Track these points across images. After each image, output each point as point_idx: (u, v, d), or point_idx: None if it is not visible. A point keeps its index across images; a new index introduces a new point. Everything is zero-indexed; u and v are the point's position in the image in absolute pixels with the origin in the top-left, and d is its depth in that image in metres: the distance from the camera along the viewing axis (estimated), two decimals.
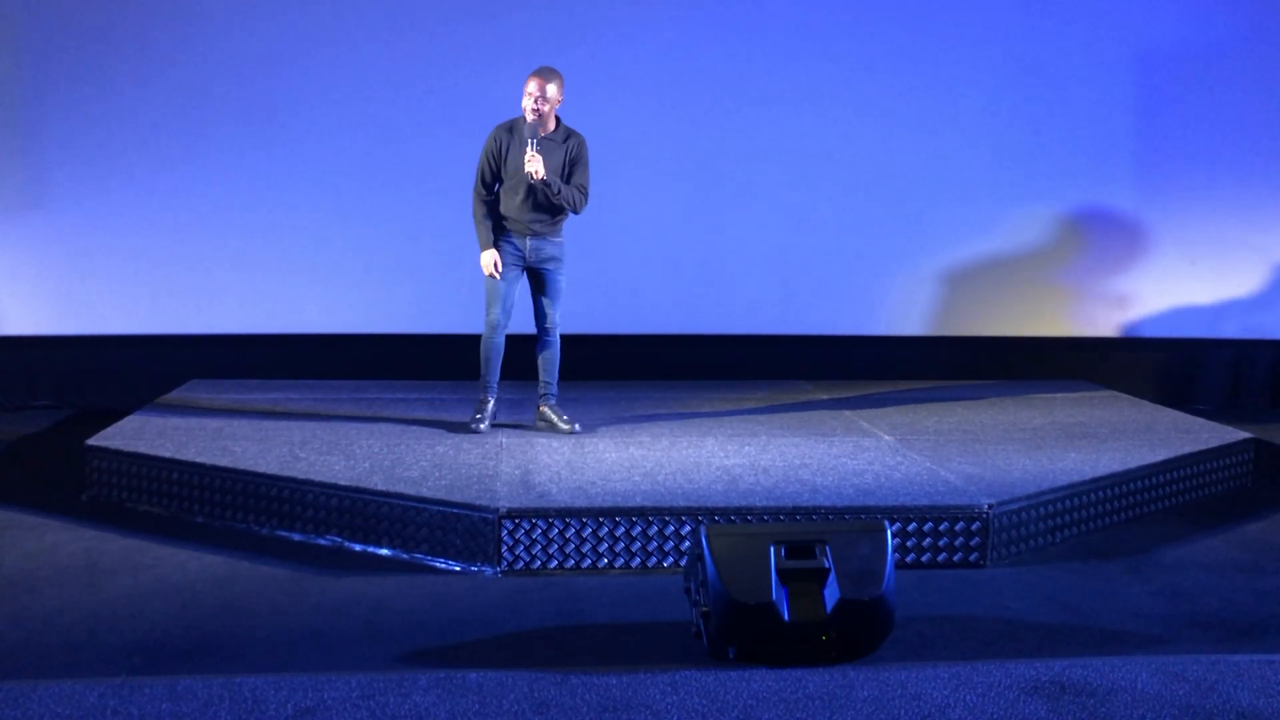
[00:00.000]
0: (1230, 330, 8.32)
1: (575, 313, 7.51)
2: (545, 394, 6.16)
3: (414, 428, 6.21)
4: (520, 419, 6.36)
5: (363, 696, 3.49)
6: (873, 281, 8.12)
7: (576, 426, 6.12)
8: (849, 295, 8.12)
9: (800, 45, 7.90)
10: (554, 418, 6.14)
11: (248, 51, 7.66)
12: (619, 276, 7.93)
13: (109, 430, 6.08)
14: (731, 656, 3.83)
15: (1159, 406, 7.21)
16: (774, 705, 3.49)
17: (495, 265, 5.94)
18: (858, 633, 3.85)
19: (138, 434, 6.00)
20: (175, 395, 7.14)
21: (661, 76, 7.85)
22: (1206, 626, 4.32)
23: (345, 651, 3.99)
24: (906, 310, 8.17)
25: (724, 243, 7.99)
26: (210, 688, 3.52)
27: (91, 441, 5.87)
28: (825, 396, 7.38)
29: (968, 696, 3.55)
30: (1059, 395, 7.50)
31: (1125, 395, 7.55)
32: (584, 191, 5.95)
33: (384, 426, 6.24)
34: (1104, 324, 8.26)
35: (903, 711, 3.46)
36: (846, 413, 6.85)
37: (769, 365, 8.13)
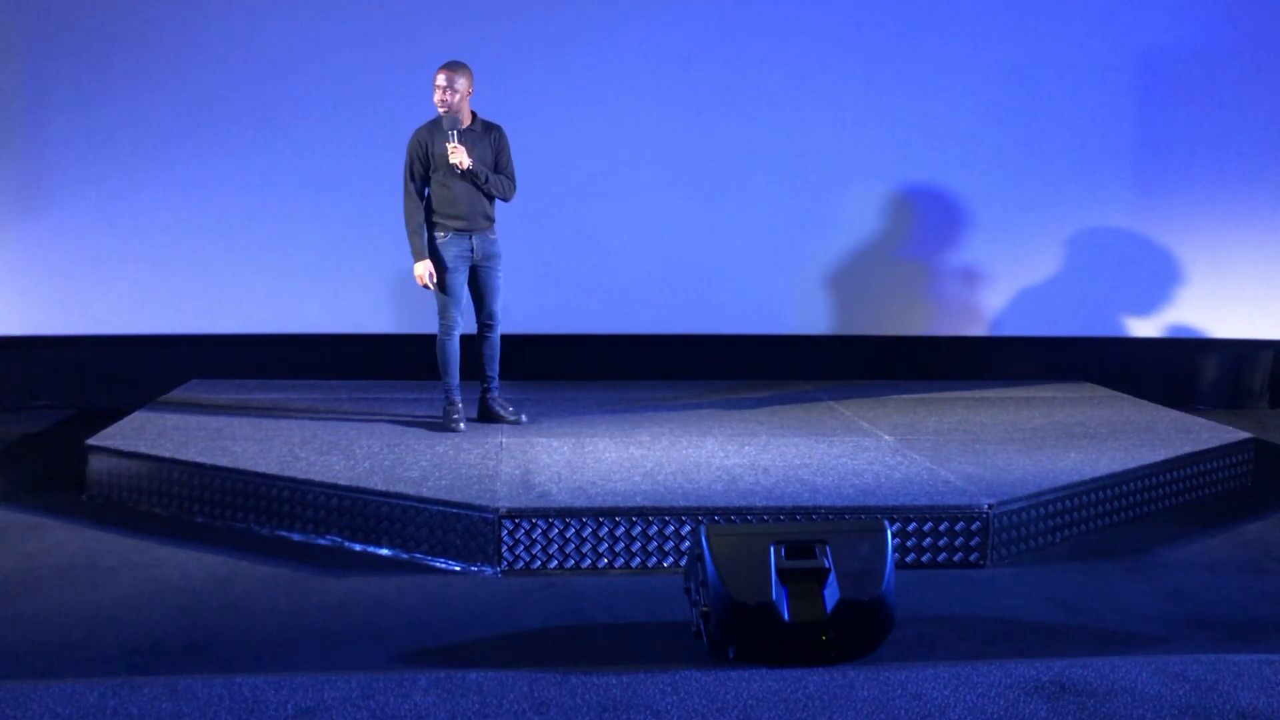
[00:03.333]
0: (1230, 330, 8.32)
1: (575, 313, 7.54)
2: (489, 388, 6.28)
3: (414, 428, 6.21)
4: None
5: (363, 696, 3.49)
6: (873, 281, 8.11)
7: (523, 417, 6.26)
8: (849, 295, 8.12)
9: (799, 47, 7.90)
10: (499, 410, 6.26)
11: (248, 53, 7.66)
12: (618, 276, 7.93)
13: (109, 430, 6.08)
14: (731, 656, 3.83)
15: (1159, 406, 7.21)
16: (774, 705, 3.49)
17: (430, 276, 5.99)
18: (858, 633, 3.85)
19: (138, 434, 6.00)
20: (175, 395, 7.15)
21: (659, 78, 7.85)
22: (1206, 626, 4.32)
23: (345, 651, 3.99)
24: (907, 310, 8.17)
25: (723, 243, 7.99)
26: (210, 688, 3.52)
27: (91, 441, 5.87)
28: (825, 396, 7.38)
29: (968, 696, 3.55)
30: (1059, 395, 7.50)
31: (1125, 395, 7.54)
32: (513, 179, 6.09)
33: (384, 426, 6.24)
34: (1104, 324, 8.26)
35: (903, 711, 3.46)
36: (846, 413, 6.85)
37: (769, 365, 8.13)
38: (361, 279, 7.84)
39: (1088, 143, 8.10)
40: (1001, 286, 8.18)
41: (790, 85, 7.92)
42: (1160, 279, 8.23)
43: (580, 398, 7.14)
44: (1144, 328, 8.28)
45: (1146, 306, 8.26)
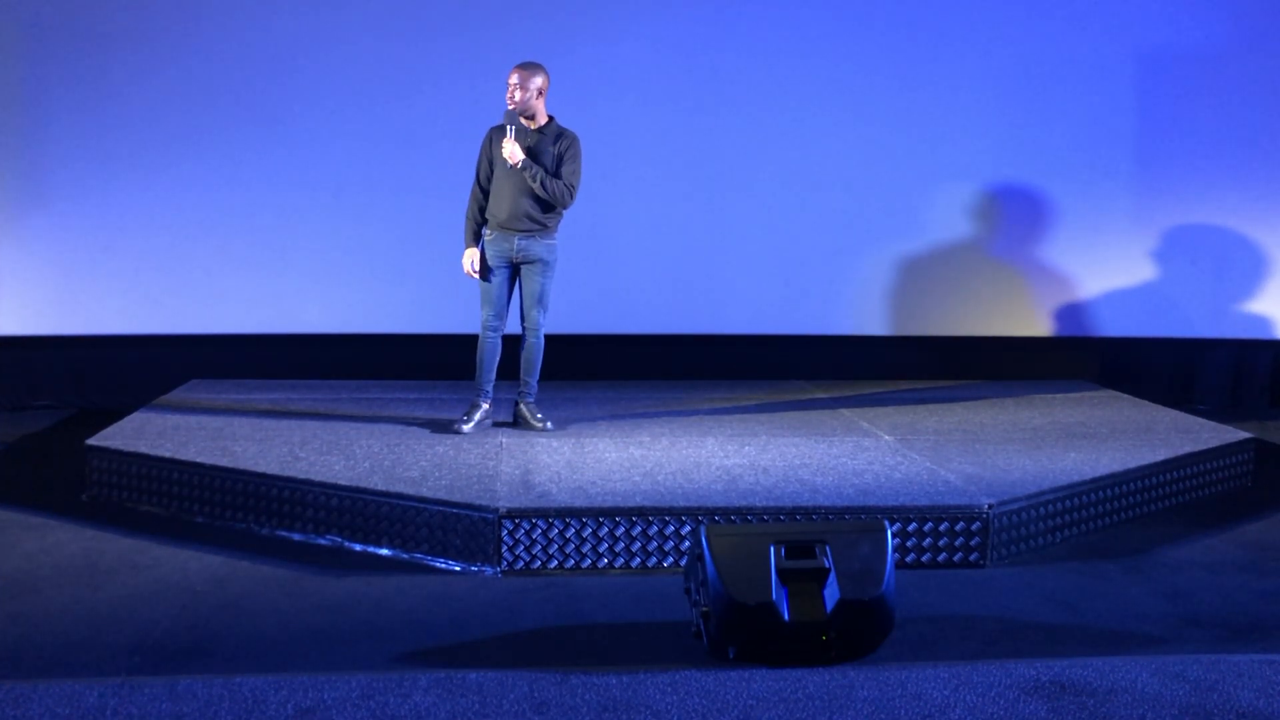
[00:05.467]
0: (1230, 330, 8.32)
1: (574, 313, 7.53)
2: (522, 392, 6.25)
3: (414, 428, 6.21)
4: (507, 417, 6.37)
5: (363, 696, 3.49)
6: (872, 281, 8.11)
7: (549, 425, 6.21)
8: (849, 295, 8.11)
9: (799, 45, 7.90)
10: (528, 415, 6.23)
11: (248, 52, 7.66)
12: (618, 276, 7.93)
13: (109, 430, 6.08)
14: (731, 656, 3.83)
15: (1159, 406, 7.21)
16: (774, 705, 3.49)
17: (472, 265, 6.09)
18: (858, 633, 3.85)
19: (138, 434, 6.00)
20: (175, 395, 7.14)
21: (660, 77, 7.85)
22: (1206, 626, 4.32)
23: (345, 651, 3.99)
24: (906, 310, 8.17)
25: (724, 243, 7.99)
26: (210, 688, 3.52)
27: (91, 441, 5.87)
28: (825, 396, 7.38)
29: (968, 696, 3.55)
30: (1059, 395, 7.50)
31: (1125, 395, 7.54)
32: (570, 187, 5.98)
33: (384, 426, 6.24)
34: (1104, 324, 8.26)
35: (903, 711, 3.46)
36: (846, 413, 6.85)
37: (769, 365, 8.13)
38: (361, 279, 7.84)
39: (1087, 142, 8.10)
40: (1001, 286, 8.18)
41: (787, 84, 7.91)
42: (1160, 279, 8.23)
43: (580, 398, 7.14)
44: (1144, 328, 8.28)
45: (1147, 306, 8.25)
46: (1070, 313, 8.23)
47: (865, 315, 8.15)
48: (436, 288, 7.59)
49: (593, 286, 7.84)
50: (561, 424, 6.32)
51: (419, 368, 7.85)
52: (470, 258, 6.09)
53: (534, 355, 6.18)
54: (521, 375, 6.22)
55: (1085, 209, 8.14)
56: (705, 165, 7.94)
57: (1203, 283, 8.26)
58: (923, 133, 8.00)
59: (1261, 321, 8.31)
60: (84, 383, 7.96)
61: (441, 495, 4.94)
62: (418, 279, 7.72)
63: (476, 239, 6.12)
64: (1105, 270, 8.20)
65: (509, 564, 4.80)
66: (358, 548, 5.06)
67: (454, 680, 3.60)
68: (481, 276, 6.08)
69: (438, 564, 4.89)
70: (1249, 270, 8.25)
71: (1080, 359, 8.33)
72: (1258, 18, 8.12)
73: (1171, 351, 8.37)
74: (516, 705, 3.46)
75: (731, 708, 3.47)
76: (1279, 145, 8.20)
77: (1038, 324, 8.24)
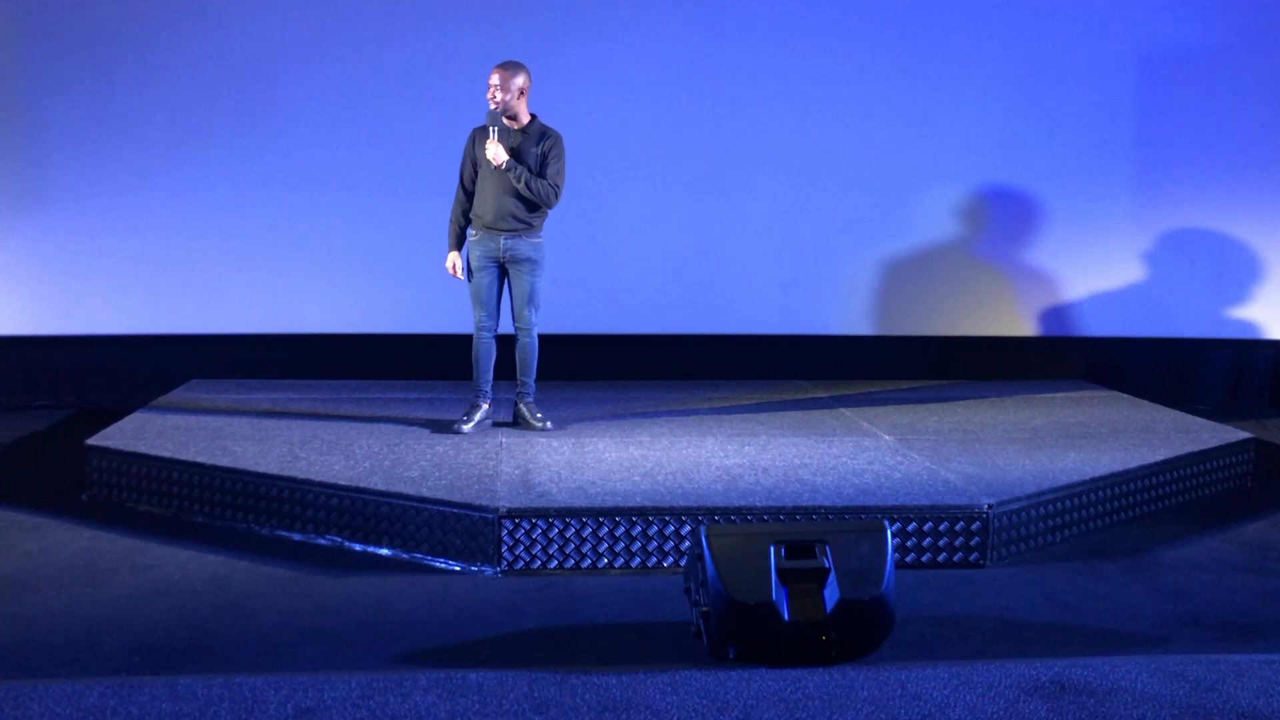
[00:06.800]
0: (1230, 330, 8.32)
1: (574, 313, 7.54)
2: (520, 392, 6.25)
3: (414, 428, 6.21)
4: (507, 417, 6.37)
5: (363, 696, 3.49)
6: (872, 281, 8.11)
7: (549, 424, 6.21)
8: (849, 295, 8.12)
9: (799, 45, 7.90)
10: (527, 415, 6.23)
11: (248, 53, 7.66)
12: (618, 276, 7.93)
13: (109, 430, 6.08)
14: (731, 656, 3.83)
15: (1159, 406, 7.21)
16: (774, 705, 3.49)
17: (454, 268, 6.12)
18: (858, 633, 3.85)
19: (138, 434, 6.00)
20: (175, 395, 7.14)
21: (659, 77, 7.85)
22: (1206, 626, 4.32)
23: (345, 651, 3.99)
24: (906, 310, 8.17)
25: (723, 243, 7.99)
26: (210, 688, 3.52)
27: (91, 441, 5.87)
28: (825, 396, 7.38)
29: (968, 696, 3.55)
30: (1059, 395, 7.50)
31: (1125, 395, 7.54)
32: (554, 186, 5.97)
33: (384, 426, 6.24)
34: (1103, 324, 8.26)
35: (903, 711, 3.46)
36: (846, 413, 6.85)
37: (768, 365, 8.13)
38: (361, 279, 7.85)
39: (1086, 142, 8.10)
40: (1002, 286, 8.19)
41: (787, 84, 7.91)
42: (1160, 279, 8.23)
43: (580, 398, 7.14)
44: (1143, 328, 8.28)
45: (1147, 306, 8.26)
46: (1070, 313, 8.23)
47: (866, 315, 8.15)
48: (436, 288, 7.56)
49: (592, 286, 7.84)
50: (561, 424, 6.32)
51: (419, 368, 7.85)
52: (452, 260, 6.11)
53: (528, 355, 6.18)
54: (518, 375, 6.22)
55: (1085, 210, 8.14)
56: (706, 165, 7.94)
57: (1202, 283, 8.26)
58: (924, 133, 8.00)
59: (1261, 321, 8.31)
60: (84, 383, 7.96)
61: (441, 495, 4.94)
62: (417, 279, 7.71)
63: (459, 242, 6.13)
64: (1105, 271, 8.20)
65: (509, 564, 4.80)
66: (358, 548, 5.06)
67: (454, 680, 3.60)
68: (466, 277, 6.09)
69: (438, 564, 4.89)
70: (1248, 270, 8.25)
71: (1080, 359, 8.32)
72: (1257, 18, 8.11)
73: (1171, 352, 8.37)
74: (516, 705, 3.46)
75: (731, 708, 3.47)
76: (1279, 145, 8.20)
77: (1038, 324, 8.24)
